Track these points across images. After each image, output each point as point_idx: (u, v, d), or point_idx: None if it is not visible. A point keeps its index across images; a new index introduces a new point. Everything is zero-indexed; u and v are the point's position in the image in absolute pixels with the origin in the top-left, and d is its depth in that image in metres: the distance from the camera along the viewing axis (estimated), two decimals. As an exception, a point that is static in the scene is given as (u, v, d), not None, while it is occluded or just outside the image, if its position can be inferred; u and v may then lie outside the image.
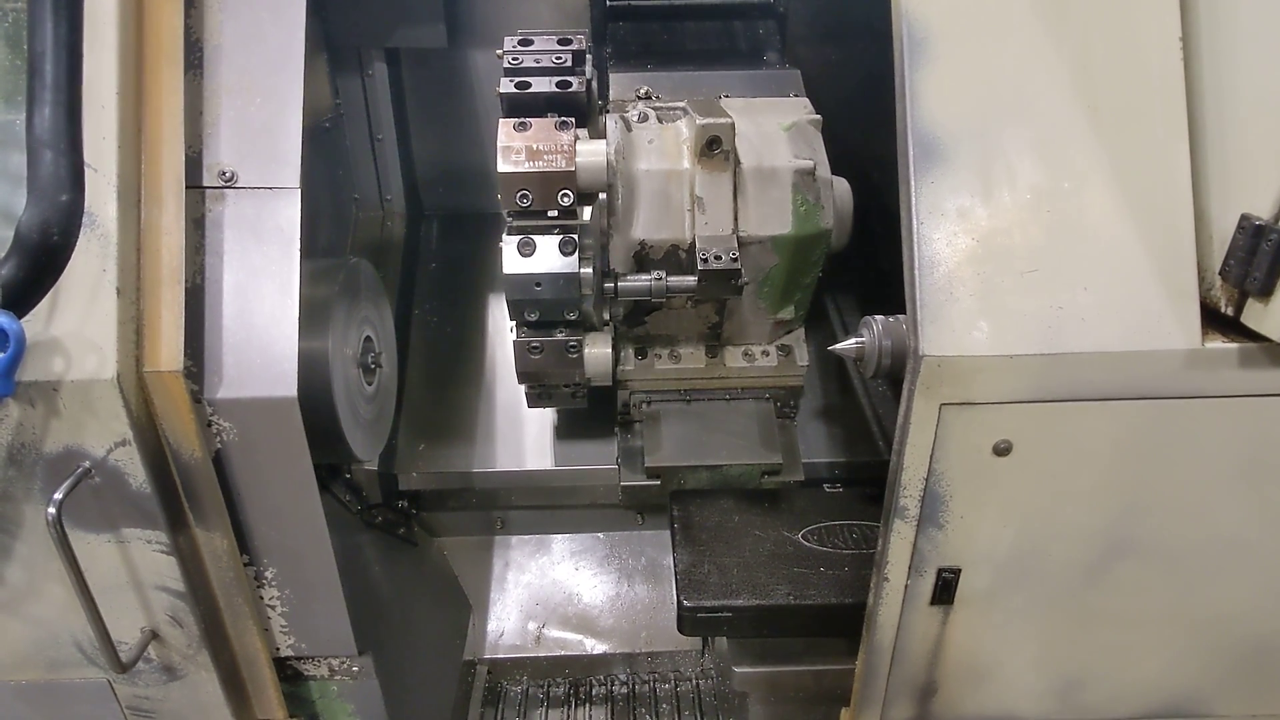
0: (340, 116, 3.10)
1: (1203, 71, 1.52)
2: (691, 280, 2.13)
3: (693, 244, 2.15)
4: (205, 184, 1.70)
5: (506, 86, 2.12)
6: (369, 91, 3.09)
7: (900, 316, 1.73)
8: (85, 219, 1.54)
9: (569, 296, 2.14)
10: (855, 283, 3.09)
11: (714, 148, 2.08)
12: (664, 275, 2.14)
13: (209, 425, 1.69)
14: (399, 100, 3.13)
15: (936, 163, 1.56)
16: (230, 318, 1.68)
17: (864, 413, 2.90)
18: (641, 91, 2.38)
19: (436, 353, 3.05)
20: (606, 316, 2.39)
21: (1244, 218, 1.45)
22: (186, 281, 1.63)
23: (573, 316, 2.21)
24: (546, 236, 2.11)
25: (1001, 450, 1.63)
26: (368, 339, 2.36)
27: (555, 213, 2.11)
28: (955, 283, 1.54)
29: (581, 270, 2.12)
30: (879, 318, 1.79)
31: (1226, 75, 1.50)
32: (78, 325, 1.54)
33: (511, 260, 2.11)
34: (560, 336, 2.25)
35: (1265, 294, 1.43)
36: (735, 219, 2.15)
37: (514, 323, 2.25)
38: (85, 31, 1.53)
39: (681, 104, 2.25)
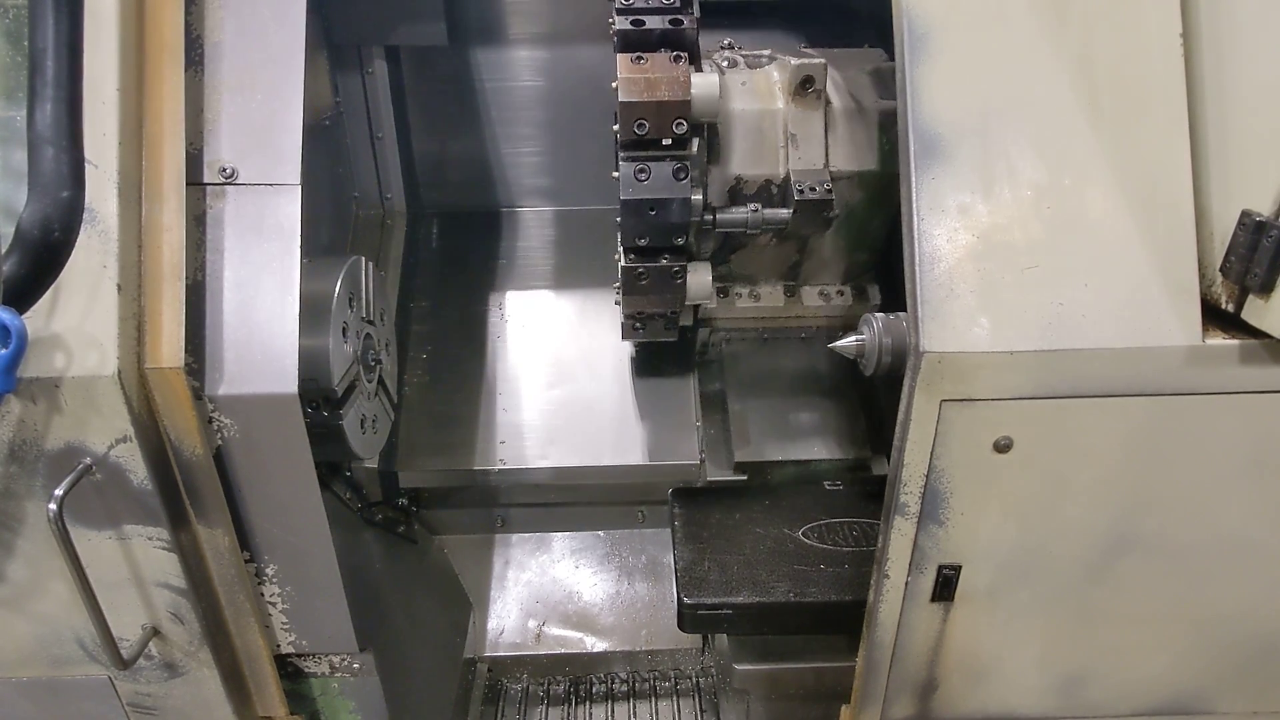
0: (340, 114, 3.10)
1: (1203, 68, 1.52)
2: (785, 212, 2.28)
3: (785, 179, 2.29)
4: (206, 181, 1.70)
5: (622, 23, 2.18)
6: (369, 89, 3.09)
7: (901, 314, 1.73)
8: (86, 215, 1.54)
9: (681, 220, 2.23)
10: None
11: (807, 86, 2.24)
12: (760, 207, 2.28)
13: (210, 422, 1.69)
14: (399, 98, 3.13)
15: (937, 159, 1.56)
16: (231, 314, 1.67)
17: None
18: (725, 43, 2.51)
19: (436, 350, 3.05)
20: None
21: (1245, 214, 1.45)
22: (187, 278, 1.63)
23: (680, 241, 2.30)
24: (660, 164, 2.20)
25: (1002, 447, 1.63)
26: (368, 336, 2.36)
27: (668, 141, 2.17)
28: (956, 279, 1.54)
29: (693, 196, 2.22)
30: (879, 315, 1.80)
31: (1227, 72, 1.50)
32: (79, 321, 1.54)
33: (628, 185, 2.19)
34: (665, 262, 2.34)
35: (1266, 290, 1.43)
36: (826, 154, 2.30)
37: (621, 249, 2.35)
38: (86, 28, 1.53)
39: (767, 52, 2.40)
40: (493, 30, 3.07)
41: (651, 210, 2.21)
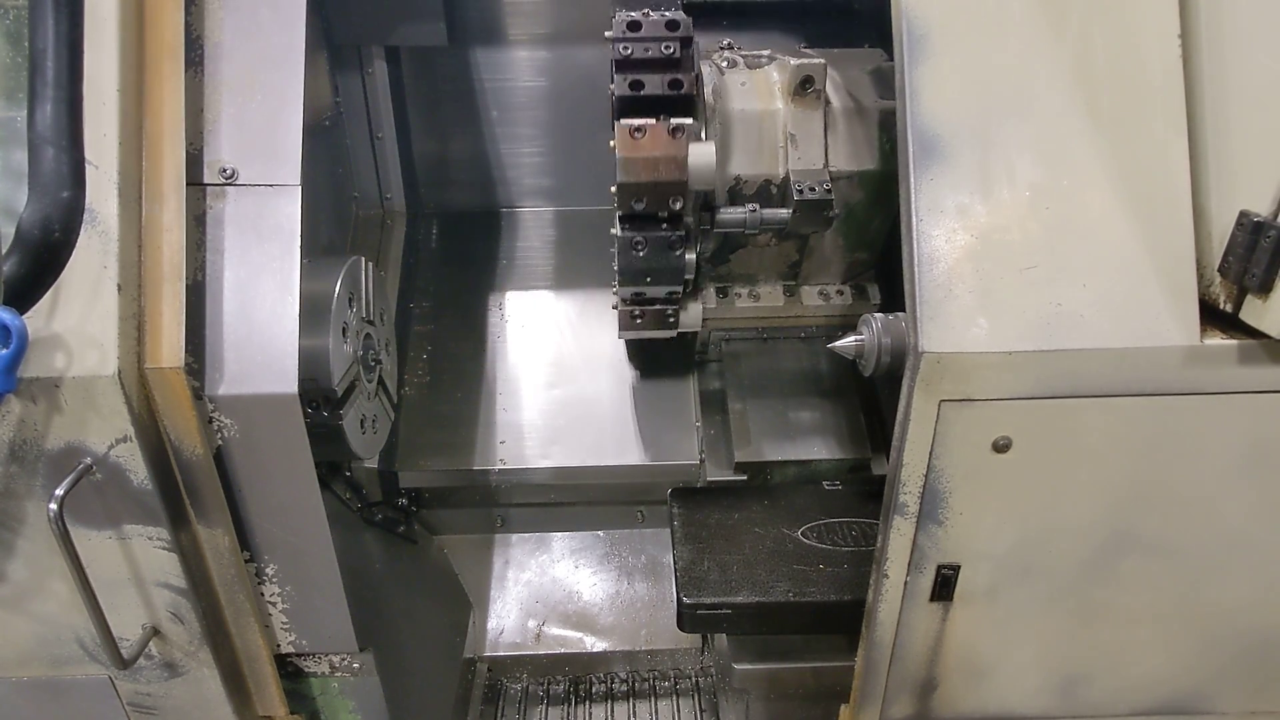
0: (340, 114, 3.10)
1: (1201, 69, 1.52)
2: (784, 212, 2.28)
3: (785, 179, 2.30)
4: (206, 181, 1.70)
5: (621, 88, 2.14)
6: (369, 89, 3.09)
7: (900, 314, 1.73)
8: (86, 215, 1.54)
9: (675, 282, 2.35)
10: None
11: (807, 86, 2.25)
12: (758, 208, 2.29)
13: (210, 422, 1.69)
14: (399, 98, 3.13)
15: (936, 160, 1.56)
16: (231, 314, 1.68)
17: None
18: (725, 43, 2.52)
19: (436, 350, 3.05)
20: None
21: (1243, 214, 1.45)
22: (187, 278, 1.63)
23: (674, 292, 2.41)
24: (656, 235, 2.26)
25: (1001, 447, 1.64)
26: (368, 336, 2.36)
27: (665, 213, 2.24)
28: (955, 279, 1.54)
29: (686, 258, 2.31)
30: (878, 315, 1.80)
31: (1225, 72, 1.50)
32: (79, 321, 1.54)
33: (625, 253, 2.27)
34: (658, 306, 2.47)
35: (1264, 290, 1.44)
36: (826, 154, 2.31)
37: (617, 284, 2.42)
38: (86, 28, 1.53)
39: (766, 52, 2.41)
40: (492, 30, 3.07)
41: (647, 278, 2.32)
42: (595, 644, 2.91)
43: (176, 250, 1.62)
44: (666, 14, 2.12)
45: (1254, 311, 1.48)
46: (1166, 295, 1.53)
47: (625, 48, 2.13)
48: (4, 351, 1.43)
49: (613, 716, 2.85)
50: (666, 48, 2.15)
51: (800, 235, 2.53)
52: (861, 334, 1.81)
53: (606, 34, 2.20)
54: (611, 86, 2.18)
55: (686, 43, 2.16)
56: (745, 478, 2.68)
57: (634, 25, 2.14)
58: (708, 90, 2.27)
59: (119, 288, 1.55)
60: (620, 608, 2.98)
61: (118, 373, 1.54)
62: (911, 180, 1.56)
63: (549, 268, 3.26)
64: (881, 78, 2.41)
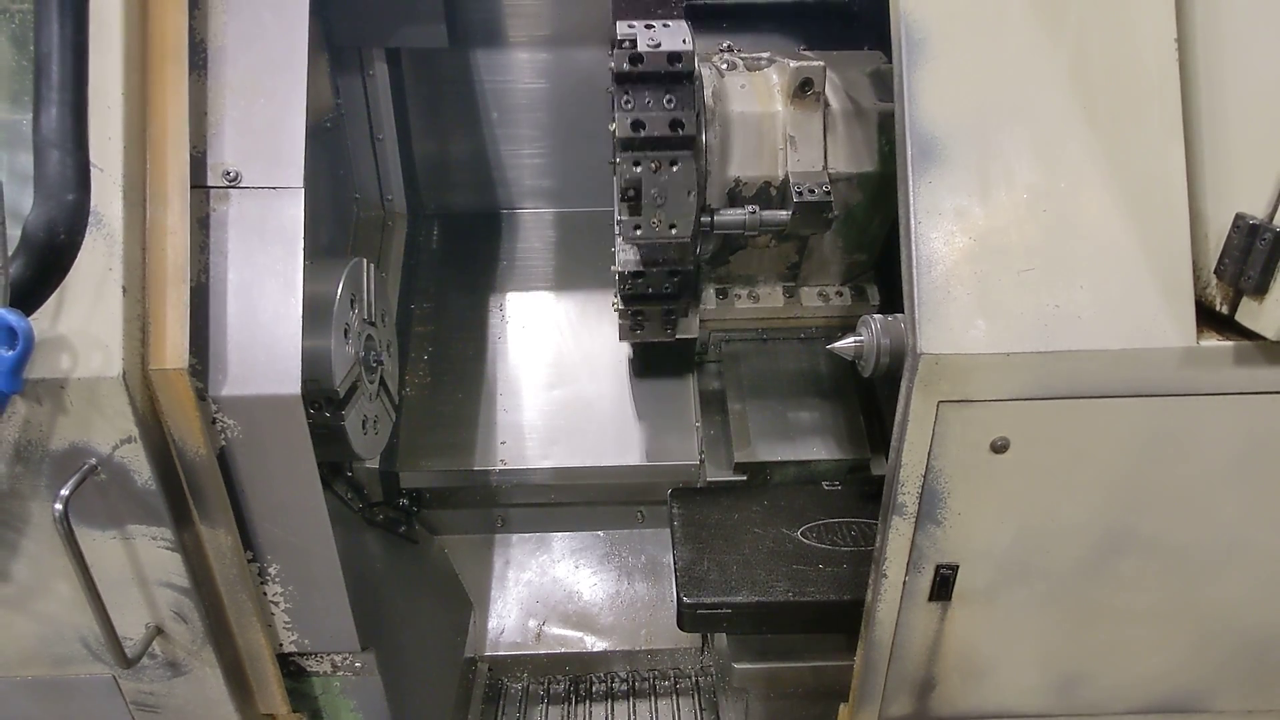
0: (341, 116, 3.11)
1: (1198, 72, 1.54)
2: (784, 214, 2.30)
3: (784, 181, 2.32)
4: (209, 184, 1.71)
5: (630, 288, 2.40)
6: (370, 91, 3.10)
7: (898, 315, 1.74)
8: (91, 218, 1.55)
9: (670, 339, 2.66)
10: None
11: (806, 89, 2.26)
12: (758, 209, 2.31)
13: (213, 422, 1.70)
14: (400, 100, 3.14)
15: (935, 162, 1.57)
16: (234, 316, 1.69)
17: None
18: (724, 46, 2.55)
19: (437, 351, 3.06)
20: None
21: (1239, 217, 1.46)
22: (191, 280, 1.64)
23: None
24: (653, 319, 2.58)
25: (999, 447, 1.65)
26: (369, 338, 2.37)
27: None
28: (953, 281, 1.55)
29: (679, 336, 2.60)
30: (877, 316, 1.81)
31: (1221, 76, 1.51)
32: (84, 323, 1.55)
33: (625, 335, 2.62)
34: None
35: (1260, 292, 1.45)
36: (825, 156, 2.33)
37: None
38: (91, 32, 1.54)
39: (766, 55, 2.44)
40: (493, 32, 3.08)
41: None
42: (595, 644, 2.92)
43: (180, 252, 1.63)
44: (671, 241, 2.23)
45: (1250, 313, 1.49)
46: (1163, 297, 1.54)
47: (634, 231, 2.24)
48: (10, 353, 1.44)
49: (613, 716, 2.86)
50: (673, 274, 2.37)
51: (799, 237, 2.54)
52: (860, 335, 1.82)
53: (616, 221, 2.38)
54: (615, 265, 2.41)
55: (688, 262, 2.33)
56: (745, 478, 2.69)
57: (642, 260, 2.39)
58: (708, 93, 2.28)
59: (123, 290, 1.56)
60: (620, 607, 2.99)
61: (122, 374, 1.55)
62: (910, 182, 1.57)
63: (549, 269, 3.28)
64: (880, 80, 2.42)
